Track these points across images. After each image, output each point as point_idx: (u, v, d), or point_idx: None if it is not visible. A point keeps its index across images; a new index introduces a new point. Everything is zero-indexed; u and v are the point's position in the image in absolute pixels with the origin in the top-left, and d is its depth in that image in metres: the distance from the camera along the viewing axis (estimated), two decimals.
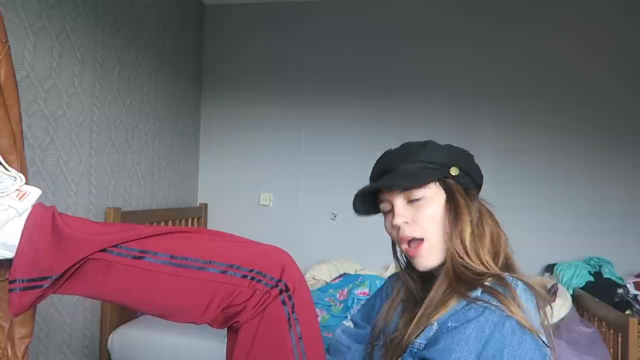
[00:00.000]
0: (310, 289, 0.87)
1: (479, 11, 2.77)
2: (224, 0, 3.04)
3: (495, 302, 0.68)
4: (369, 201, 0.86)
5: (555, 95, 2.68)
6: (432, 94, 2.81)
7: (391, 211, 0.82)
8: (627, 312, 2.12)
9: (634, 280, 2.26)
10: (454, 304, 0.72)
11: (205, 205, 3.06)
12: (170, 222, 2.59)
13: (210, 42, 3.12)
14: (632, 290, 2.20)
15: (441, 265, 0.79)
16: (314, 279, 2.64)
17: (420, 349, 0.72)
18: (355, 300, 2.33)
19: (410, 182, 0.79)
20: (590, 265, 2.49)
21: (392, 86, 2.86)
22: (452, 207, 0.79)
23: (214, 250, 0.77)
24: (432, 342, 0.70)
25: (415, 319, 0.75)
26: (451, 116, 2.76)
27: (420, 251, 0.79)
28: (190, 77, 2.98)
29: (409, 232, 0.79)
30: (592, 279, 2.36)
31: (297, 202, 2.98)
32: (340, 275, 2.62)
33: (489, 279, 0.73)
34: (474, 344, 0.64)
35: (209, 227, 3.02)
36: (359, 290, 2.38)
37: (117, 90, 2.22)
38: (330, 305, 2.33)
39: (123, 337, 2.09)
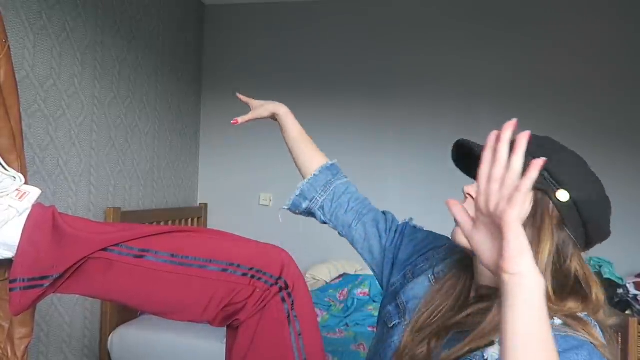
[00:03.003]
0: (310, 289, 0.87)
1: (479, 12, 2.77)
2: (224, 0, 3.05)
3: (586, 336, 0.60)
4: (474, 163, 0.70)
5: (554, 96, 2.68)
6: (432, 94, 2.81)
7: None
8: (627, 312, 2.12)
9: (634, 281, 2.26)
10: None
11: (205, 205, 3.06)
12: (170, 222, 2.59)
13: (210, 42, 3.12)
14: (632, 290, 2.20)
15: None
16: (314, 279, 2.64)
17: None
18: (355, 300, 2.33)
19: None
20: (590, 265, 2.49)
21: (392, 86, 2.86)
22: (531, 223, 0.64)
23: (215, 249, 0.77)
24: None
25: (467, 341, 0.63)
26: (451, 116, 2.76)
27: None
28: (190, 77, 2.98)
29: (467, 207, 0.67)
30: None
31: None
32: (340, 276, 2.61)
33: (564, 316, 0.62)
34: None
35: (209, 227, 3.02)
36: (359, 291, 2.38)
37: (117, 91, 2.22)
38: (330, 305, 2.33)
39: (123, 337, 2.09)
